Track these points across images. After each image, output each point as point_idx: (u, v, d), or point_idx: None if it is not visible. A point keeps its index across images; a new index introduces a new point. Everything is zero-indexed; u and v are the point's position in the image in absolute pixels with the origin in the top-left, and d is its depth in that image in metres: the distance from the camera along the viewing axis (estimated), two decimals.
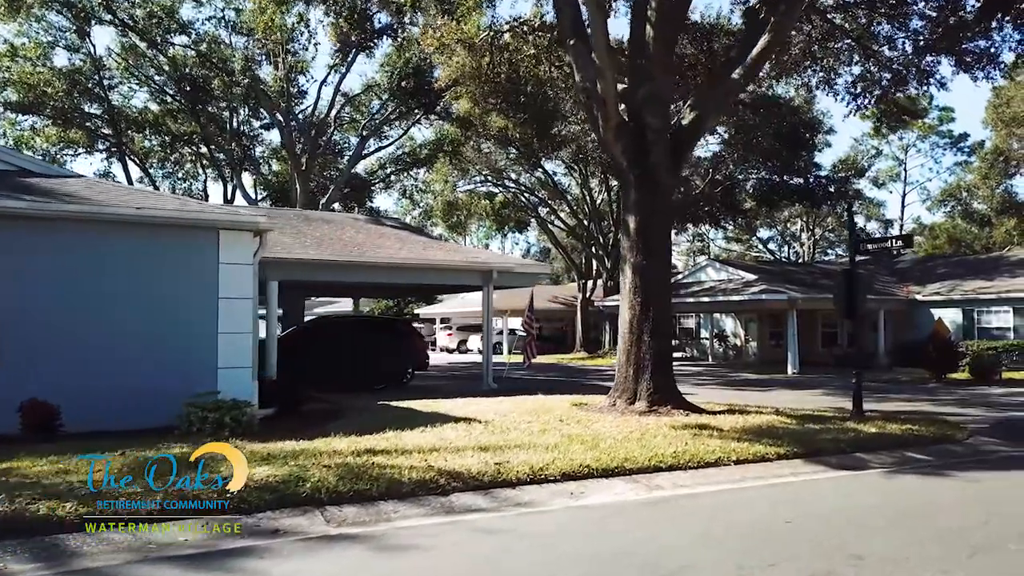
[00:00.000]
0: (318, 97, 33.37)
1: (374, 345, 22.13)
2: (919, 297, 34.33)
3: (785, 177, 44.91)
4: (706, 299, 35.33)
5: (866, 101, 23.24)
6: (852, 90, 23.10)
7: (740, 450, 9.38)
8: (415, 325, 61.33)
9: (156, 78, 35.74)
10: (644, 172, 13.45)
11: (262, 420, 12.99)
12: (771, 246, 74.50)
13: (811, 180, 45.37)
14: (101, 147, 41.12)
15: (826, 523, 6.63)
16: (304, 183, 32.59)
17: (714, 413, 13.14)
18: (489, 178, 48.89)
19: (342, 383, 20.54)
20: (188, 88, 32.95)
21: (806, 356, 33.05)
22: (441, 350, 55.39)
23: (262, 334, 18.18)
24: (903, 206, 64.93)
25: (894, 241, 13.71)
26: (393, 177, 41.77)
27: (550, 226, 53.85)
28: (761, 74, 25.89)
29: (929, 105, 61.65)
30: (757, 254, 70.25)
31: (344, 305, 59.99)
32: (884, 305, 34.04)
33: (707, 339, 42.76)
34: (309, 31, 30.59)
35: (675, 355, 42.40)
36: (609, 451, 8.98)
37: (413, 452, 8.54)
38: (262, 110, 34.54)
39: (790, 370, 30.91)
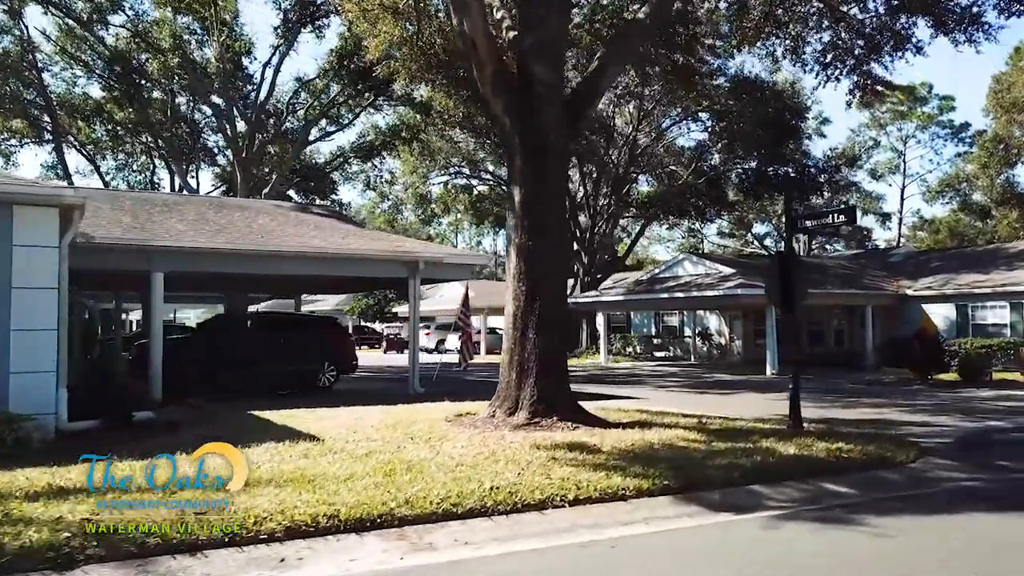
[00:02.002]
0: (261, 79, 31.10)
1: (283, 345, 19.78)
2: (910, 292, 31.82)
3: (774, 167, 42.52)
4: (680, 294, 32.87)
5: (837, 72, 20.84)
6: (821, 59, 20.71)
7: (591, 484, 6.98)
8: (395, 323, 59.55)
9: (94, 61, 33.39)
10: (531, 133, 11.07)
11: (68, 436, 10.75)
12: (767, 242, 71.91)
13: (800, 170, 42.96)
14: (49, 137, 38.93)
15: None
16: (246, 172, 30.25)
17: (612, 426, 10.72)
18: (463, 169, 46.60)
19: (244, 386, 18.37)
20: (121, 70, 30.62)
21: (790, 355, 30.65)
22: (422, 350, 53.22)
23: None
24: (902, 199, 62.24)
25: (835, 216, 11.27)
26: (352, 166, 39.23)
27: None
28: (719, 42, 23.56)
29: (929, 94, 59.17)
30: (753, 250, 67.65)
31: (327, 303, 58.05)
32: (872, 300, 31.69)
33: (690, 338, 40.38)
34: None
35: (657, 354, 40.66)
36: (398, 488, 6.60)
37: (108, 493, 6.14)
38: (210, 95, 32.10)
39: (769, 371, 28.54)
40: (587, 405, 14.95)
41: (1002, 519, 6.57)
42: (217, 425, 12.03)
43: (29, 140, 38.91)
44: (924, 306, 31.08)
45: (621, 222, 52.23)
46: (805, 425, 11.89)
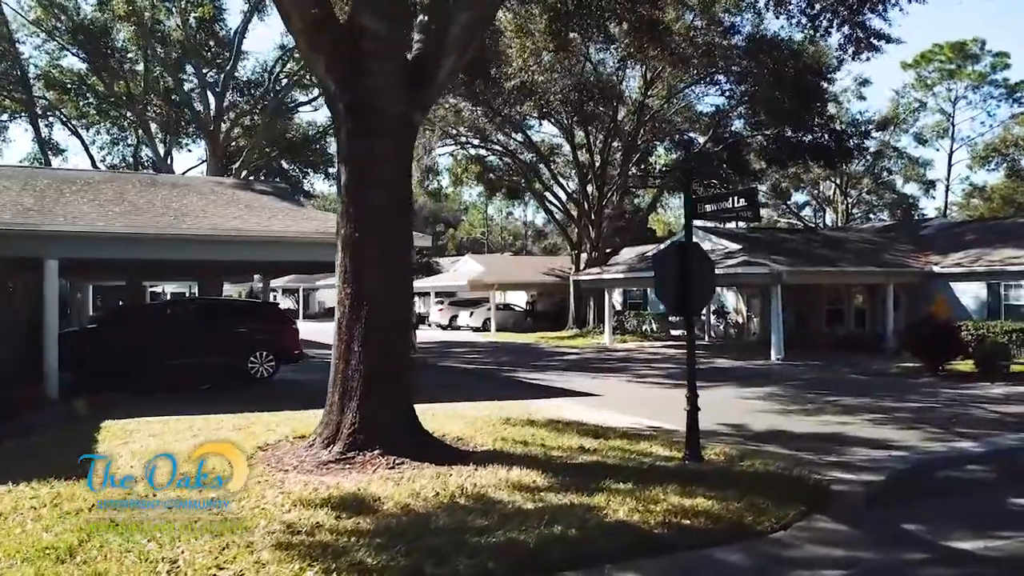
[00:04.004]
0: (230, 48, 29.27)
1: (202, 335, 18.07)
2: (936, 269, 28.90)
3: (799, 133, 39.45)
4: None
5: (827, 24, 18.34)
6: (808, 11, 18.21)
7: None
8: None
9: (65, 32, 31.99)
10: (359, 99, 9.00)
11: None
12: (806, 212, 68.46)
13: (829, 135, 39.79)
14: (40, 112, 37.90)
15: None
16: (215, 148, 28.62)
17: (455, 459, 8.58)
18: (471, 140, 44.62)
19: (155, 381, 16.79)
20: (85, 39, 29.15)
21: (806, 337, 28.45)
22: (436, 326, 52.04)
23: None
24: (950, 165, 57.97)
25: (735, 199, 8.99)
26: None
27: (544, 194, 49.16)
28: None
29: (982, 51, 54.86)
30: (790, 220, 64.28)
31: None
32: (893, 279, 28.91)
33: (706, 316, 37.77)
34: None
35: (674, 333, 38.15)
36: None
37: None
38: (176, 65, 30.44)
39: (774, 355, 26.27)
40: (511, 405, 13.29)
41: None
42: (26, 440, 10.65)
43: (19, 115, 38.03)
44: (952, 284, 28.24)
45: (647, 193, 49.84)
46: (713, 452, 9.73)
